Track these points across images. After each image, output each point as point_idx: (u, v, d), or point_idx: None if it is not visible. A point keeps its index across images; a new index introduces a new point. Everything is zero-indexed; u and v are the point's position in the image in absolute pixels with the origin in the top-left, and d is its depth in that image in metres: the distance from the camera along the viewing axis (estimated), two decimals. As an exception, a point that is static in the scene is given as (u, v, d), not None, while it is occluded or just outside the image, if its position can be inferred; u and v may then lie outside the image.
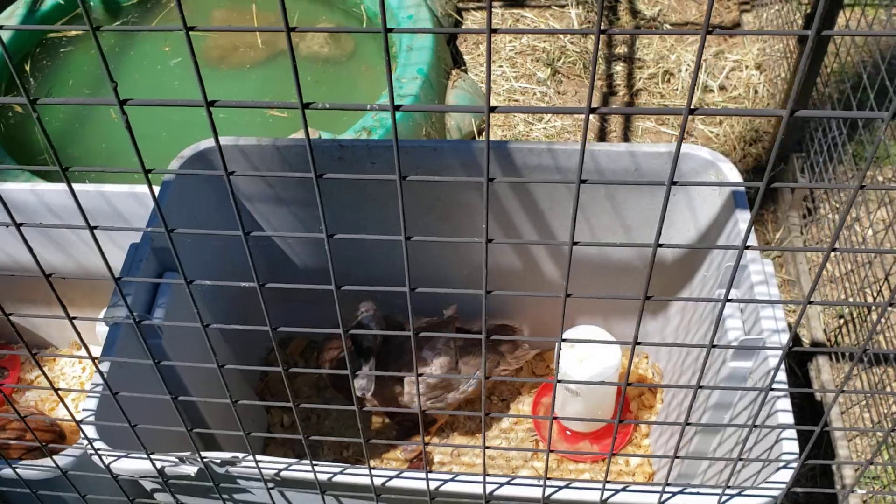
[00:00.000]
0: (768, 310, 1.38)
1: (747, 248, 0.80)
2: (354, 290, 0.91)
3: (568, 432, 2.04)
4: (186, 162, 1.69)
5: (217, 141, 0.77)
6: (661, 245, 0.82)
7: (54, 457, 1.35)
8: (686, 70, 3.01)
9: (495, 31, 0.69)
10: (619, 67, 3.10)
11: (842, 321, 2.19)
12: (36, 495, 1.38)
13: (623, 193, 1.75)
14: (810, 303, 0.86)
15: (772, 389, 0.96)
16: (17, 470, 1.35)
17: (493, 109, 0.73)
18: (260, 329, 0.94)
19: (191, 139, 1.73)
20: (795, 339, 2.24)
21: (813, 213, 2.41)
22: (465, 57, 3.14)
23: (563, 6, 3.29)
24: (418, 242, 1.91)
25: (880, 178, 2.51)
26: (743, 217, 1.50)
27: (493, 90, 3.00)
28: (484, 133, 2.86)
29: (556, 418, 1.04)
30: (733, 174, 1.58)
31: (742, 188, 1.56)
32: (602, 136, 2.87)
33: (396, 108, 0.74)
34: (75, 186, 1.93)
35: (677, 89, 2.98)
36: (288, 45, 0.67)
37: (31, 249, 0.85)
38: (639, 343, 0.93)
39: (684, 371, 1.82)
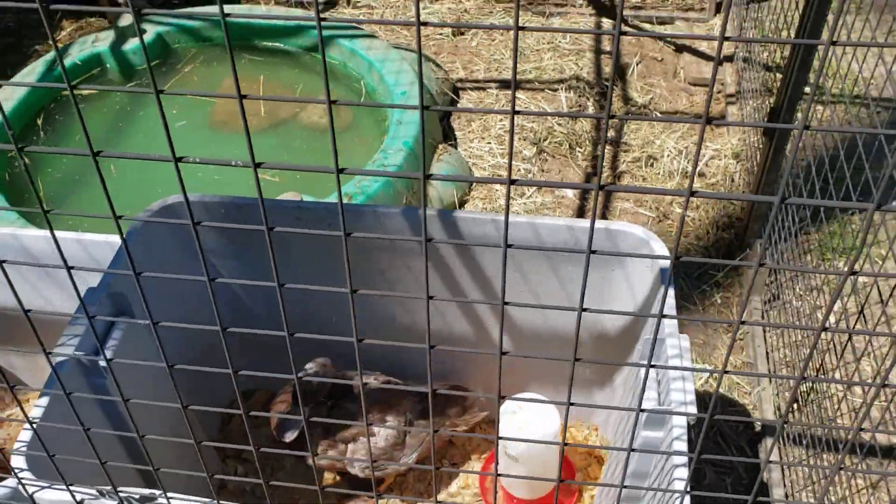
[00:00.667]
0: (679, 382, 1.43)
1: (654, 314, 0.87)
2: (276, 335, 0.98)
3: (514, 502, 2.06)
4: (153, 214, 1.79)
5: (105, 190, 0.86)
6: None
7: (-10, 486, 1.41)
8: (668, 156, 3.11)
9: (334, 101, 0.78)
10: (605, 150, 3.20)
11: (795, 405, 2.21)
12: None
13: (567, 267, 1.82)
14: (683, 367, 0.92)
15: (632, 450, 1.00)
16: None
17: (342, 170, 0.82)
18: (172, 366, 1.01)
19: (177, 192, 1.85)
20: (746, 414, 2.26)
21: (777, 298, 2.45)
22: (456, 133, 3.26)
23: (555, 90, 3.42)
24: (372, 307, 1.97)
25: (841, 266, 2.55)
26: (669, 293, 1.56)
27: (479, 165, 3.11)
28: (465, 204, 2.96)
29: (444, 470, 1.09)
30: (663, 252, 1.64)
31: (668, 264, 1.62)
32: (581, 213, 2.95)
33: (258, 164, 0.83)
34: (58, 233, 2.04)
35: (659, 173, 3.06)
36: (241, 109, 0.75)
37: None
38: (501, 396, 0.98)
39: (625, 441, 1.86)
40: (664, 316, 0.89)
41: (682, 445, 1.35)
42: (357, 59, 3.29)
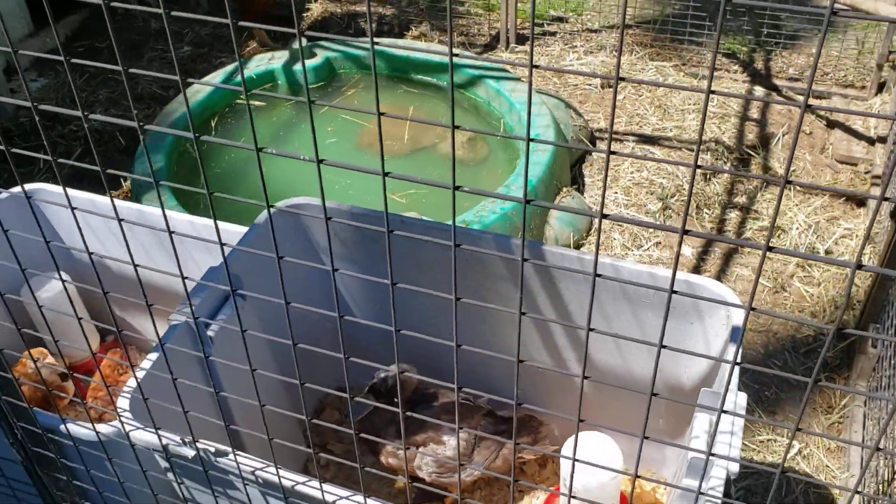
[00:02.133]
0: (726, 436, 1.45)
1: (660, 346, 0.95)
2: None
3: (573, 538, 2.09)
4: (276, 212, 2.00)
5: (262, 175, 1.03)
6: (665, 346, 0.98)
7: (97, 425, 1.64)
8: (797, 229, 3.05)
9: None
10: (733, 214, 3.18)
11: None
12: (77, 450, 1.67)
13: (648, 313, 1.86)
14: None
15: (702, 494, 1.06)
16: (67, 426, 1.65)
17: (459, 187, 0.95)
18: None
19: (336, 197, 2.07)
20: None
21: (884, 388, 2.36)
22: (585, 179, 3.34)
23: (692, 150, 3.44)
24: (460, 326, 2.09)
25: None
26: (730, 351, 1.58)
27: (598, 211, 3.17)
28: (580, 247, 3.03)
29: (518, 483, 1.18)
30: (738, 312, 1.67)
31: (740, 325, 1.64)
32: (696, 272, 2.94)
33: (321, 161, 0.98)
34: (189, 217, 2.28)
35: (785, 245, 3.01)
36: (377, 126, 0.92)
37: (129, 249, 1.15)
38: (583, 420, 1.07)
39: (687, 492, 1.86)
40: (737, 363, 0.95)
41: (718, 496, 1.37)
42: (500, 99, 3.46)
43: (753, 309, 0.88)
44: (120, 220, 1.20)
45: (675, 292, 0.91)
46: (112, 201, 1.20)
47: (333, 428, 1.65)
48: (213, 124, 3.58)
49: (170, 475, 1.68)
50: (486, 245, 1.92)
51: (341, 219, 2.05)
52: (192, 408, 1.62)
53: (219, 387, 1.88)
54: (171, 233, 1.18)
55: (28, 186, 2.38)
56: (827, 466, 2.29)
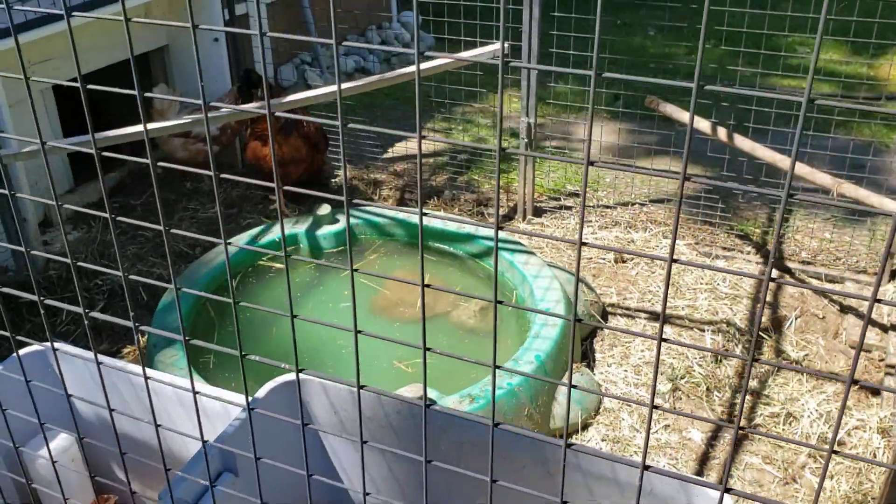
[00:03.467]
0: None
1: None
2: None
3: None
4: (277, 386, 2.03)
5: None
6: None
7: None
8: (809, 417, 3.00)
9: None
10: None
11: None
12: None
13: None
14: None
15: None
16: None
17: (498, 424, 0.98)
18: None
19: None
20: None
21: None
22: (596, 355, 3.35)
23: (703, 330, 3.45)
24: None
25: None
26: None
27: (611, 390, 3.16)
28: (588, 426, 2.99)
29: None
30: (733, 518, 1.63)
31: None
32: (704, 460, 2.88)
33: (300, 370, 1.01)
34: (203, 387, 2.30)
35: (796, 434, 2.95)
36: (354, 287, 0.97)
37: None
38: None
39: None
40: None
41: None
42: (514, 271, 3.53)
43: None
44: (157, 427, 1.24)
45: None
46: (149, 394, 1.23)
47: None
48: (234, 284, 3.68)
49: None
50: (516, 447, 1.91)
51: (339, 395, 2.07)
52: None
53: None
54: (204, 443, 1.21)
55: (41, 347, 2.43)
56: None
